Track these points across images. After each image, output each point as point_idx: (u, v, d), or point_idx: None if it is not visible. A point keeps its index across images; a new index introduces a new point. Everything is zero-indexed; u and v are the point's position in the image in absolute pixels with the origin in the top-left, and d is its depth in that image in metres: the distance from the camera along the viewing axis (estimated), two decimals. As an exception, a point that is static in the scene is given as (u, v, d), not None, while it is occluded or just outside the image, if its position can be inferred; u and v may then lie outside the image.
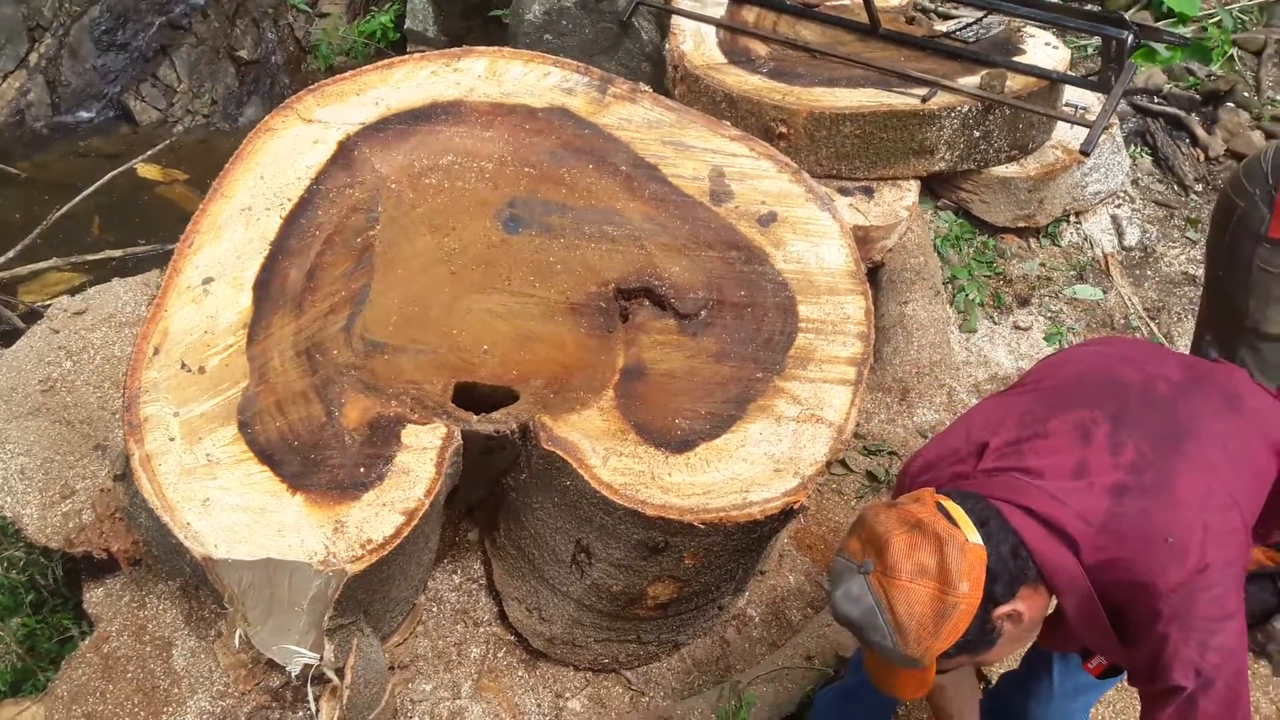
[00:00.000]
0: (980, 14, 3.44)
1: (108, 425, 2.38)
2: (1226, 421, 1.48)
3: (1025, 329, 3.22)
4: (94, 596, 2.16)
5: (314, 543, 1.74)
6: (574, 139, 2.47)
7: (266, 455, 1.85)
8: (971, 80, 3.08)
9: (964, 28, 3.52)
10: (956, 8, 4.02)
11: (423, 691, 2.12)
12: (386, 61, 2.57)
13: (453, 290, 2.19)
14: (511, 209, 2.35)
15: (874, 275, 3.11)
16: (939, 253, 3.23)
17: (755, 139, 2.55)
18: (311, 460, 1.85)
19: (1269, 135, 3.74)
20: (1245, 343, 2.32)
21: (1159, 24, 4.12)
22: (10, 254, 3.65)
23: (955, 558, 1.29)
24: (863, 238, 2.98)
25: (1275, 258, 2.21)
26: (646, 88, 2.62)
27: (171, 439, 1.86)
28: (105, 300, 2.68)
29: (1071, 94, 3.27)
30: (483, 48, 2.65)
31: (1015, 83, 3.08)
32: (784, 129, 3.04)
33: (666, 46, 3.40)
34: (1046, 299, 3.29)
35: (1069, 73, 3.19)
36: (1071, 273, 3.37)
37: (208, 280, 2.10)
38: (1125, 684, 2.05)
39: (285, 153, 2.34)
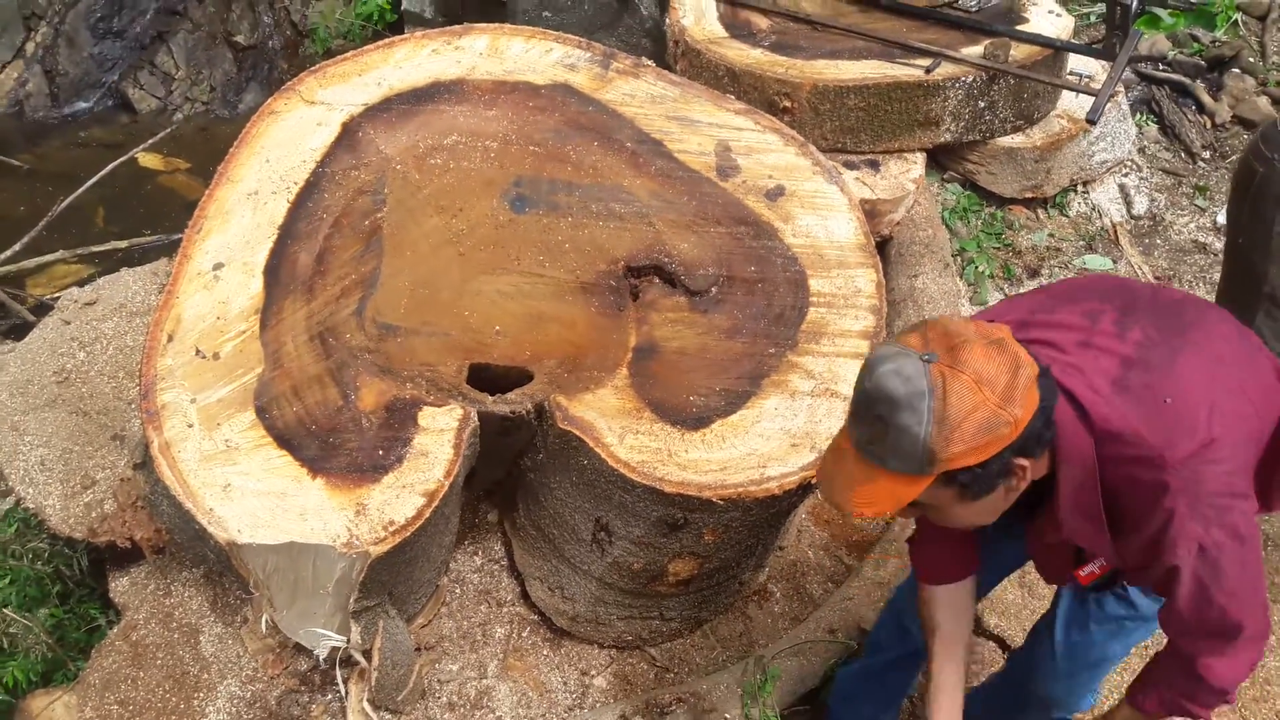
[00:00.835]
0: (983, -18, 3.41)
1: (124, 415, 2.39)
2: (1235, 336, 1.46)
3: (1034, 299, 3.22)
4: (120, 585, 2.18)
5: (336, 526, 1.75)
6: (578, 116, 2.46)
7: (285, 440, 1.86)
8: (975, 50, 3.06)
9: (967, -4, 3.49)
10: (958, -24, 3.98)
11: (450, 672, 2.14)
12: (387, 41, 2.56)
13: (462, 271, 2.20)
14: (518, 188, 2.34)
15: (883, 249, 3.11)
16: (947, 225, 3.22)
17: (760, 112, 2.54)
18: (330, 444, 1.86)
19: (1275, 100, 3.72)
20: (1263, 309, 2.31)
21: (1162, -12, 4.09)
22: (16, 247, 3.64)
23: (1023, 384, 1.22)
24: (870, 211, 2.97)
25: None
26: (650, 62, 2.61)
27: (190, 425, 1.87)
28: (115, 290, 2.68)
29: (1076, 62, 3.25)
30: (484, 25, 2.63)
31: (1019, 52, 3.06)
32: (788, 103, 3.03)
33: (666, 21, 3.37)
34: (1056, 269, 3.28)
35: (1073, 41, 3.17)
36: (1080, 243, 3.36)
37: (218, 266, 2.10)
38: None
39: (289, 136, 2.33)
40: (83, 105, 4.98)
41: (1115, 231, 3.41)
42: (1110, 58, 2.96)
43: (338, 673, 1.89)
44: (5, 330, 3.32)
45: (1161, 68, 3.86)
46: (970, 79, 3.02)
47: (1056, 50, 3.08)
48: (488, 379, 2.05)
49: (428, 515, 1.79)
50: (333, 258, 2.17)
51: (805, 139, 2.50)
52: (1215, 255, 3.33)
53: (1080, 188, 3.45)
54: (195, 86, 5.08)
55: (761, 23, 3.30)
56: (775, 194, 2.35)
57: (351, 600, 1.75)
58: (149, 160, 4.54)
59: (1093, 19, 4.04)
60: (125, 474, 2.22)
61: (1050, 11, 3.26)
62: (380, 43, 2.55)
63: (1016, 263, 3.27)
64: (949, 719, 1.61)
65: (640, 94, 2.51)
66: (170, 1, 5.04)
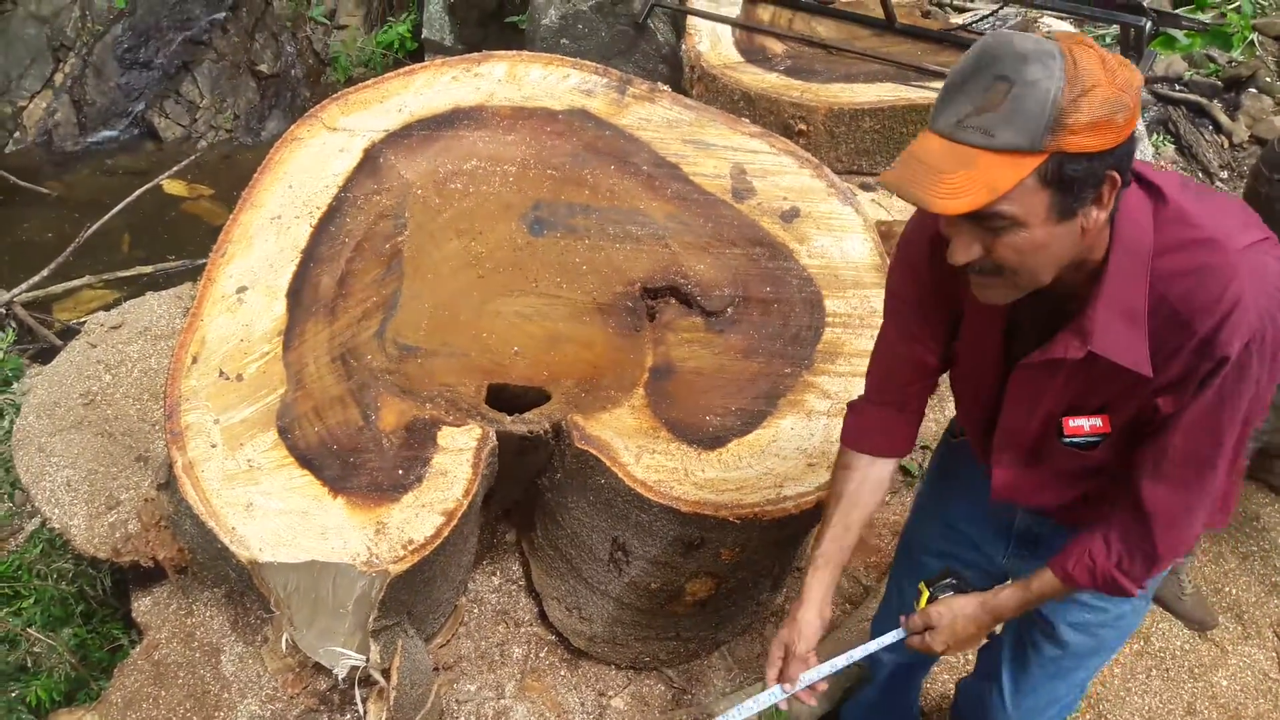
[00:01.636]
0: (996, 5, 3.44)
1: (148, 436, 2.42)
2: None
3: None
4: (142, 605, 2.20)
5: (357, 544, 1.76)
6: (595, 140, 2.49)
7: (306, 460, 1.88)
8: (990, 71, 3.07)
9: (980, 20, 3.52)
10: (972, 0, 4.02)
11: (468, 692, 2.14)
12: (408, 68, 2.61)
13: (481, 293, 2.22)
14: (536, 212, 2.37)
15: (897, 269, 3.11)
16: (962, 245, 3.23)
17: (775, 135, 2.57)
18: (350, 463, 1.88)
19: (1292, 118, 3.72)
20: None
21: (1177, 11, 4.10)
22: (44, 273, 3.72)
23: (1135, 98, 1.12)
24: (886, 233, 2.98)
25: None
26: (665, 87, 2.64)
27: (213, 446, 1.90)
28: (140, 314, 2.73)
29: (1091, 82, 3.26)
30: (502, 52, 2.68)
31: (1034, 72, 3.07)
32: (803, 126, 3.05)
33: (683, 47, 3.41)
34: (1072, 288, 3.28)
35: (1088, 61, 3.18)
36: (1096, 261, 3.36)
37: (242, 289, 2.14)
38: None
39: (312, 162, 2.38)
40: (109, 134, 5.08)
41: (1133, 251, 3.40)
42: (1125, 78, 2.97)
43: (357, 692, 1.90)
44: (33, 354, 3.38)
45: (1178, 88, 3.87)
46: (985, 101, 3.03)
47: (1071, 72, 3.10)
48: (506, 399, 2.07)
49: (446, 534, 1.80)
50: (354, 280, 2.20)
51: (820, 162, 2.52)
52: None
53: (1097, 208, 3.45)
54: (219, 115, 5.18)
55: (776, 47, 3.34)
56: (790, 216, 2.37)
57: (371, 619, 1.76)
58: (174, 187, 4.63)
59: (1108, 40, 4.05)
60: (149, 494, 2.25)
61: (1064, 33, 3.28)
62: (401, 70, 2.59)
63: (1033, 283, 3.27)
64: (818, 590, 1.53)
65: (656, 118, 2.55)
66: (195, 32, 5.15)
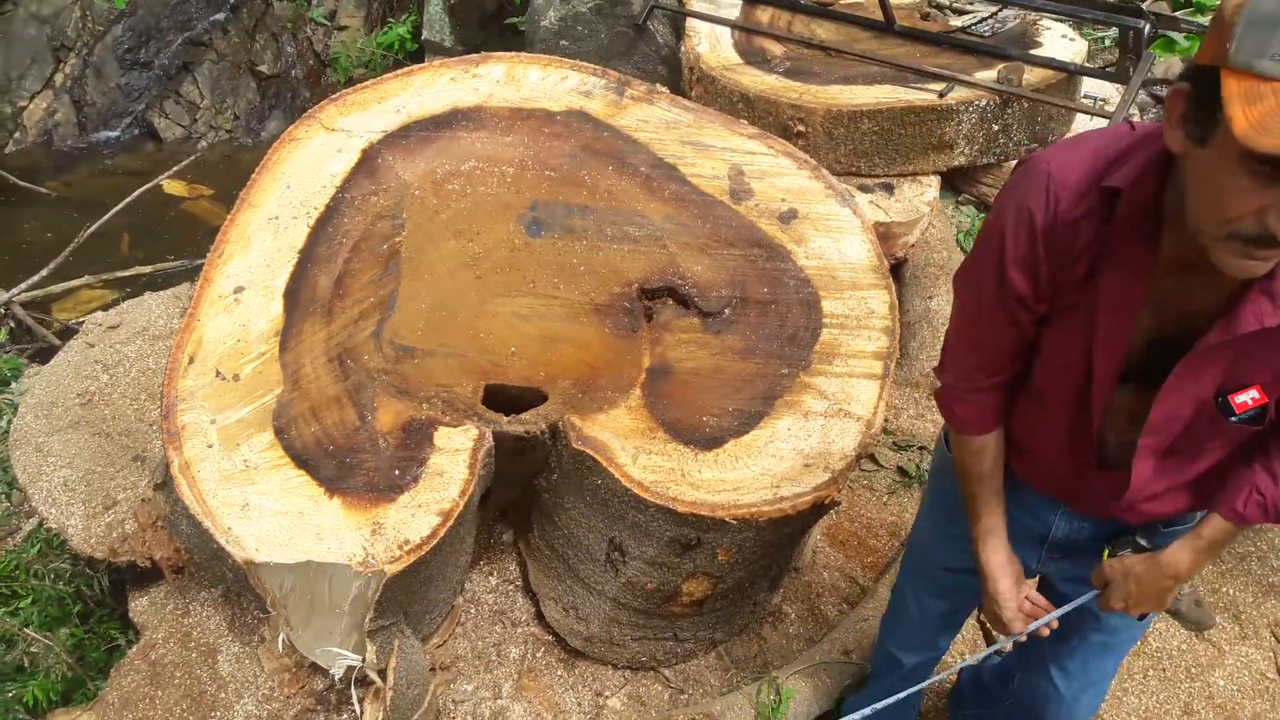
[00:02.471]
0: (995, 8, 3.45)
1: (145, 436, 2.42)
2: None
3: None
4: (139, 605, 2.20)
5: (353, 545, 1.76)
6: (593, 141, 2.50)
7: (303, 460, 1.89)
8: (988, 74, 3.08)
9: (979, 22, 3.52)
10: (971, 2, 4.02)
11: (464, 692, 2.14)
12: (406, 69, 2.61)
13: (479, 294, 2.22)
14: (534, 212, 2.37)
15: (897, 271, 3.12)
16: (961, 247, 3.23)
17: (773, 137, 2.57)
18: (347, 464, 1.88)
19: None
20: None
21: (1176, 13, 4.10)
22: (44, 272, 3.72)
23: None
24: (885, 234, 2.98)
25: None
26: (663, 89, 2.64)
27: (209, 446, 1.90)
28: (138, 314, 2.73)
29: (1090, 86, 3.27)
30: (501, 53, 2.68)
31: (1033, 76, 3.08)
32: (802, 127, 3.06)
33: (682, 49, 3.42)
34: (1070, 290, 3.28)
35: (1086, 64, 3.18)
36: (1094, 263, 3.36)
37: (239, 289, 2.14)
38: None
39: (310, 162, 2.38)
40: (110, 134, 5.09)
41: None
42: (1124, 81, 2.98)
43: (353, 692, 1.90)
44: (31, 354, 3.39)
45: (1176, 90, 3.86)
46: (984, 103, 3.03)
47: (1070, 74, 3.10)
48: (503, 400, 2.07)
49: (443, 534, 1.80)
50: (351, 281, 2.20)
51: (819, 163, 2.52)
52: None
53: (1095, 210, 3.45)
54: (219, 115, 5.18)
55: (776, 49, 3.34)
56: (788, 217, 2.37)
57: (367, 619, 1.76)
58: (173, 187, 4.63)
59: (1106, 43, 4.05)
60: (146, 494, 2.25)
61: (1064, 36, 3.28)
62: (399, 71, 2.60)
63: (1032, 285, 3.27)
64: (999, 557, 1.58)
65: (654, 119, 2.55)
66: (195, 33, 5.15)
